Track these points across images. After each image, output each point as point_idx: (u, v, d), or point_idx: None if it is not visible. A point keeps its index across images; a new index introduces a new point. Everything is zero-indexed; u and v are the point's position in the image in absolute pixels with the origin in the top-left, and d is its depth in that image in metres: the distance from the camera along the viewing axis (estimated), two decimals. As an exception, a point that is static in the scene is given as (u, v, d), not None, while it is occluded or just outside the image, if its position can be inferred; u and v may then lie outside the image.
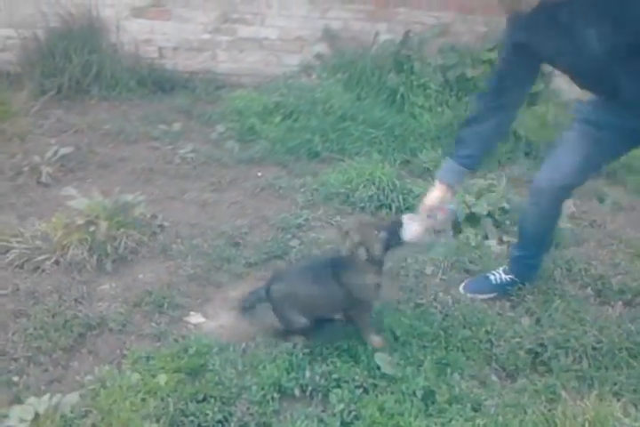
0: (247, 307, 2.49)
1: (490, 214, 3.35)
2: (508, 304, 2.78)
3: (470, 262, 3.06)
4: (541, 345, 2.50)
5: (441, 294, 2.81)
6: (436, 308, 2.70)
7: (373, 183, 3.56)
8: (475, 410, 2.19)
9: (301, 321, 2.38)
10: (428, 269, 3.01)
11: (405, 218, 2.41)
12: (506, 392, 2.31)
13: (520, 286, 2.81)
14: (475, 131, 2.43)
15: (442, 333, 2.54)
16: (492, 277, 2.85)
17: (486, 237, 3.28)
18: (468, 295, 2.82)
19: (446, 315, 2.67)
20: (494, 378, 2.40)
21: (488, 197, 3.45)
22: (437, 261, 3.03)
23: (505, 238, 3.28)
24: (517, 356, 2.46)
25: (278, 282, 2.42)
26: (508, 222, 3.33)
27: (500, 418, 2.13)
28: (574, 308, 2.71)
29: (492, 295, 2.81)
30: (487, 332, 2.56)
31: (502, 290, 2.81)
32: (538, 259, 2.81)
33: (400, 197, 3.49)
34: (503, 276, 2.83)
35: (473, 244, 3.21)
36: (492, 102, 2.39)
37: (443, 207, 2.50)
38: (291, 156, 4.03)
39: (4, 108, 4.34)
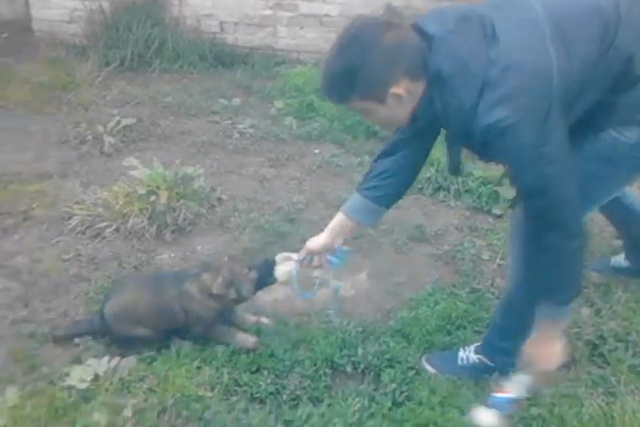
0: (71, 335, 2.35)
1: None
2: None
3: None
4: (600, 337, 2.43)
5: (498, 280, 2.75)
6: (492, 293, 2.66)
7: (432, 164, 3.49)
8: (528, 398, 2.15)
9: (142, 332, 2.27)
10: (485, 255, 2.95)
11: (280, 257, 2.25)
12: (562, 382, 2.26)
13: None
14: (387, 163, 2.06)
15: (497, 318, 2.50)
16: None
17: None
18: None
19: (502, 301, 2.62)
20: (550, 367, 2.35)
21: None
22: (496, 247, 2.97)
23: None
24: (575, 346, 2.40)
25: (115, 297, 2.29)
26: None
27: (556, 409, 2.09)
28: (637, 300, 2.63)
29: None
30: (544, 320, 2.51)
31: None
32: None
33: (459, 179, 3.43)
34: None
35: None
36: (404, 135, 2.04)
37: (323, 258, 2.19)
38: (348, 134, 3.99)
39: (69, 79, 4.44)
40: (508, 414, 1.95)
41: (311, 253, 2.18)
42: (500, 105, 1.55)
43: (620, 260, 2.79)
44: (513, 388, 1.92)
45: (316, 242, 2.16)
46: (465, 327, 2.44)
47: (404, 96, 1.60)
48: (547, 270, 1.74)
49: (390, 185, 2.07)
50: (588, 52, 1.65)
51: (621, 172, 1.90)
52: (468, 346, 2.30)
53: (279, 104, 4.33)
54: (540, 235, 1.71)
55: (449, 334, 2.42)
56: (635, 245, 2.69)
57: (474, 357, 2.25)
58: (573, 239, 1.69)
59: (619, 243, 2.84)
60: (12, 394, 2.08)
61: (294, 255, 2.22)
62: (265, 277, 2.24)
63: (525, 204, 1.74)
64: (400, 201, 2.16)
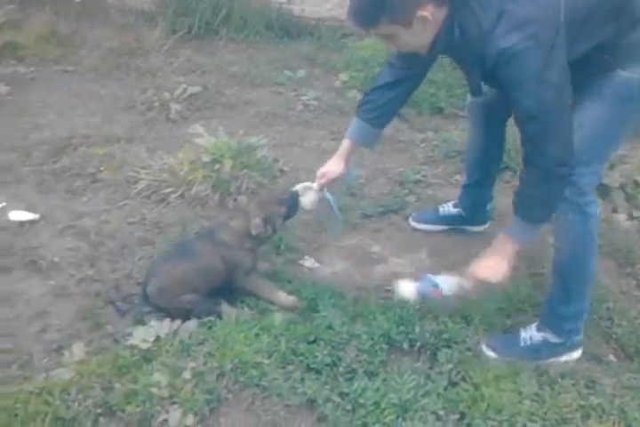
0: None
1: (621, 187, 3.15)
2: (633, 283, 2.63)
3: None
4: (665, 330, 2.36)
5: (562, 266, 2.68)
6: (555, 278, 2.60)
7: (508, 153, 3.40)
8: (588, 387, 2.12)
9: (191, 298, 2.28)
10: (550, 238, 2.87)
11: (301, 188, 2.44)
12: (623, 373, 2.21)
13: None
14: (384, 95, 2.35)
15: (559, 305, 2.45)
16: (440, 209, 2.90)
17: (615, 211, 3.09)
18: (417, 226, 2.89)
19: (566, 287, 2.56)
20: (612, 357, 2.30)
21: (621, 169, 3.24)
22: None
23: (636, 214, 3.08)
24: (639, 338, 2.34)
25: (154, 275, 2.30)
26: (640, 197, 3.13)
27: (617, 400, 2.05)
28: None
29: (440, 228, 2.86)
30: (608, 309, 2.45)
31: (448, 223, 2.87)
32: (482, 189, 2.79)
33: (526, 160, 3.33)
34: (451, 209, 2.88)
35: (601, 216, 3.02)
36: (402, 71, 2.30)
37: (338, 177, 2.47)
38: (413, 109, 3.92)
39: (138, 45, 4.50)
40: (424, 294, 2.21)
41: (328, 179, 2.44)
42: (513, 31, 1.72)
43: (449, 207, 2.90)
44: (444, 278, 2.19)
45: (331, 168, 2.44)
46: (526, 311, 2.40)
47: (429, 20, 1.75)
48: (530, 187, 1.94)
49: (388, 112, 2.40)
50: None
51: (638, 107, 2.02)
52: (530, 329, 2.27)
53: (344, 77, 4.29)
54: (534, 156, 1.88)
55: (509, 317, 2.39)
56: (477, 186, 2.77)
57: (537, 335, 2.25)
58: (561, 166, 1.87)
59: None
60: (78, 349, 2.16)
61: (313, 184, 2.46)
62: (292, 209, 2.42)
63: (523, 127, 1.88)
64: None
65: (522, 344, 2.25)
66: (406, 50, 2.00)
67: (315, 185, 2.46)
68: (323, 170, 2.46)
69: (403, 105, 2.48)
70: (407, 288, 2.25)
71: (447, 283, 2.19)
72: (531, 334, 2.26)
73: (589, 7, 1.84)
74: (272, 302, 2.34)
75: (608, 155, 2.14)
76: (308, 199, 2.43)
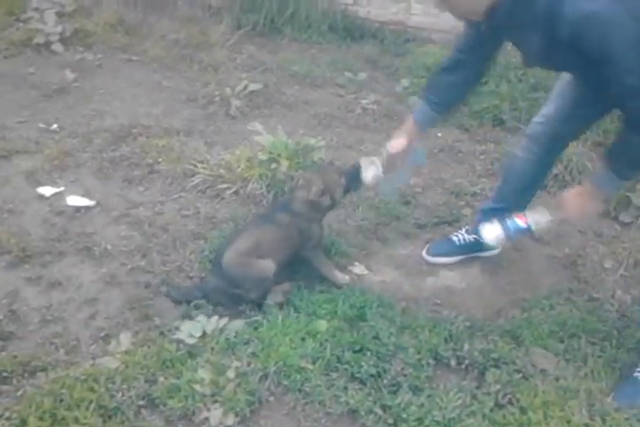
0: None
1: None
2: None
3: (658, 263, 2.80)
4: None
5: (619, 292, 2.61)
6: (612, 305, 2.52)
7: (561, 161, 3.31)
8: (642, 422, 2.03)
9: (270, 266, 2.34)
10: (608, 263, 2.79)
11: (364, 161, 2.40)
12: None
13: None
14: (446, 80, 2.31)
15: (615, 332, 2.37)
16: (455, 239, 2.72)
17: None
18: (431, 260, 2.71)
19: (622, 315, 2.49)
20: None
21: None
22: (620, 257, 2.80)
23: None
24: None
25: (230, 247, 2.36)
26: None
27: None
28: None
29: (457, 259, 2.68)
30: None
31: (467, 252, 2.68)
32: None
33: (588, 180, 3.23)
34: (467, 236, 2.70)
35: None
36: (466, 54, 2.22)
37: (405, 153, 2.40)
38: (474, 120, 3.84)
39: (203, 39, 4.52)
40: (511, 238, 2.25)
41: (394, 156, 2.37)
42: None
43: (464, 235, 2.73)
44: (530, 217, 2.21)
45: (396, 144, 2.36)
46: (580, 337, 2.33)
47: None
48: (631, 148, 1.90)
49: (447, 99, 2.34)
50: None
51: None
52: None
53: (405, 82, 4.23)
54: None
55: (561, 341, 2.31)
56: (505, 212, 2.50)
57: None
58: None
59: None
60: (125, 339, 2.18)
61: (377, 159, 2.40)
62: (354, 181, 2.42)
63: (628, 106, 1.78)
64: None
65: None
66: (460, 11, 1.89)
67: (378, 160, 2.40)
68: (387, 145, 2.40)
69: (462, 95, 2.42)
70: (493, 231, 2.26)
71: (534, 221, 2.22)
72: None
73: None
74: (327, 278, 2.48)
75: None
76: (370, 173, 2.38)
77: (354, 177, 2.41)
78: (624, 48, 1.59)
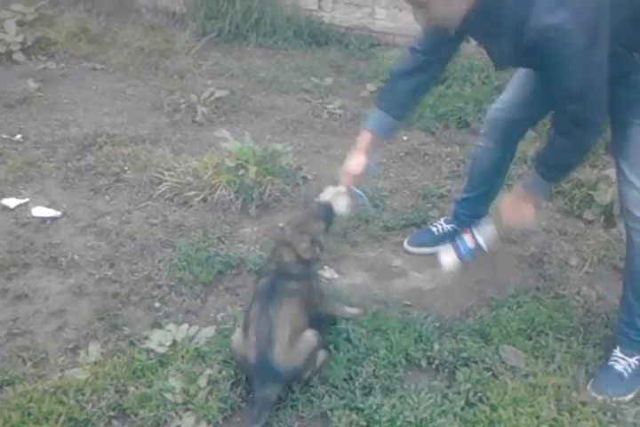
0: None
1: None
2: None
3: (620, 260, 2.83)
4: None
5: (585, 289, 2.65)
6: (578, 302, 2.56)
7: (525, 161, 3.37)
8: (613, 416, 2.07)
9: (311, 335, 2.08)
10: (573, 261, 2.83)
11: (329, 194, 2.31)
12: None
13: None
14: (406, 84, 2.30)
15: (581, 328, 2.41)
16: (434, 229, 2.81)
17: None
18: (413, 250, 2.79)
19: (588, 310, 2.52)
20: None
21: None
22: (585, 254, 2.85)
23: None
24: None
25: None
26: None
27: (642, 428, 2.01)
28: None
29: (437, 248, 2.60)
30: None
31: (447, 241, 2.62)
32: (483, 204, 2.68)
33: (552, 180, 3.29)
34: (445, 226, 2.80)
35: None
36: (427, 56, 2.23)
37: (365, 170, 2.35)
38: (439, 123, 3.89)
39: (167, 46, 4.52)
40: (464, 258, 2.26)
41: (353, 176, 2.34)
42: (559, 8, 1.67)
43: (443, 225, 2.83)
44: (478, 237, 2.25)
45: (356, 165, 2.33)
46: (547, 334, 2.36)
47: None
48: (559, 152, 2.01)
49: (408, 103, 2.34)
50: None
51: None
52: (621, 358, 2.24)
53: (371, 87, 4.26)
54: (573, 128, 1.92)
55: (530, 338, 2.34)
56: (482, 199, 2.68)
57: (631, 361, 2.23)
58: (595, 135, 1.98)
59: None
60: (94, 350, 2.16)
61: (340, 188, 2.33)
62: (330, 221, 2.29)
63: (564, 106, 1.90)
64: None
65: (626, 376, 2.20)
66: (434, 23, 1.93)
67: (342, 188, 2.34)
68: (345, 168, 2.36)
69: (422, 96, 2.44)
70: (450, 260, 2.26)
71: (481, 236, 2.25)
72: (626, 362, 2.22)
73: None
74: (342, 316, 2.33)
75: None
76: (342, 204, 2.29)
77: (328, 216, 2.28)
78: (572, 57, 1.73)
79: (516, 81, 2.42)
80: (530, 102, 2.37)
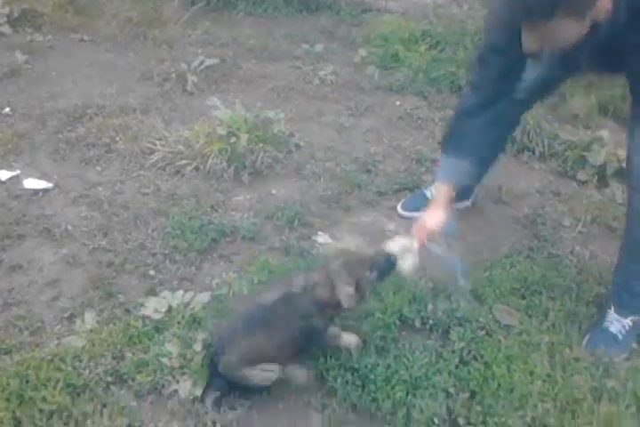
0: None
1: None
2: (651, 267, 2.58)
3: (613, 219, 2.86)
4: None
5: (578, 248, 2.67)
6: (571, 261, 2.58)
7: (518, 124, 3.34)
8: (601, 370, 2.10)
9: (274, 369, 1.92)
10: (567, 221, 2.85)
11: (396, 246, 2.06)
12: (638, 357, 2.19)
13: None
14: (471, 121, 2.15)
15: (574, 286, 2.43)
16: (428, 193, 2.76)
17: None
18: (407, 214, 2.74)
19: (581, 269, 2.55)
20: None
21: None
22: (578, 214, 2.86)
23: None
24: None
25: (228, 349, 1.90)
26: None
27: (630, 384, 2.03)
28: None
29: None
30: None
31: None
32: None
33: (545, 141, 3.28)
34: None
35: (619, 200, 2.98)
36: (479, 98, 2.12)
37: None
38: (432, 87, 3.86)
39: (155, 16, 4.44)
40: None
41: (429, 232, 2.13)
42: None
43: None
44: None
45: (435, 222, 2.13)
46: (540, 293, 2.38)
47: (607, 10, 1.63)
48: None
49: (483, 143, 2.16)
50: None
51: None
52: (615, 320, 2.23)
53: (363, 52, 4.22)
54: None
55: (523, 298, 2.36)
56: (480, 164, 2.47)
57: (626, 322, 2.23)
58: None
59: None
60: (90, 318, 2.17)
61: (412, 242, 2.08)
62: (385, 274, 2.00)
63: None
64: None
65: (620, 338, 2.21)
66: (553, 47, 1.77)
67: (414, 243, 2.08)
68: (421, 222, 2.15)
69: (504, 138, 2.47)
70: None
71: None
72: (622, 324, 2.23)
73: None
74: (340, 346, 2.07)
75: None
76: (408, 262, 2.03)
77: (387, 269, 1.98)
78: None
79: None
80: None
